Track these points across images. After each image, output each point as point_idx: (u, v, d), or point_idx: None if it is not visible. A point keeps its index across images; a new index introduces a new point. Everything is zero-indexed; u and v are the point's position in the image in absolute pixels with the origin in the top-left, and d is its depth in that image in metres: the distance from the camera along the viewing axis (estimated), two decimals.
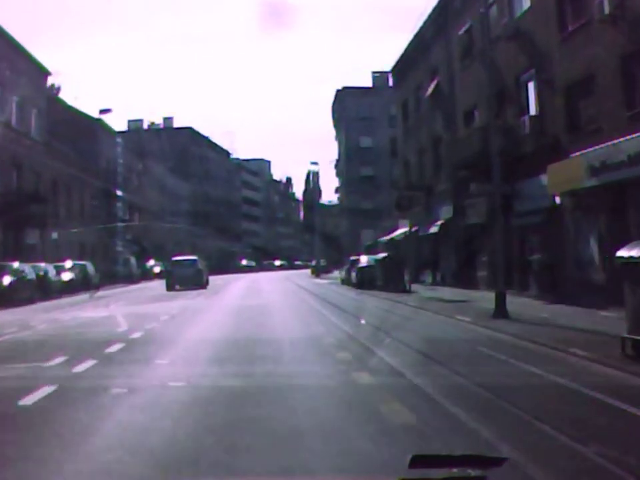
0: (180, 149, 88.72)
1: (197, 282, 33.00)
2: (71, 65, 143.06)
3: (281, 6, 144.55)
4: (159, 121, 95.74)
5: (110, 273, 46.32)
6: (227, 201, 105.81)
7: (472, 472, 2.11)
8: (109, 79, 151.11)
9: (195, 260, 35.17)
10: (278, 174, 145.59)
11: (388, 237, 39.39)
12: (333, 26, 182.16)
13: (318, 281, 46.87)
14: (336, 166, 74.76)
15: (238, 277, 56.81)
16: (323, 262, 67.47)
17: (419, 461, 2.14)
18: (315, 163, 62.56)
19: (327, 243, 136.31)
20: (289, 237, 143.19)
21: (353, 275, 31.90)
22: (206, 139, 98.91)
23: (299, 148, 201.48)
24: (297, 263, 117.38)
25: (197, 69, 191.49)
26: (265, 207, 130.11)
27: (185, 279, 32.80)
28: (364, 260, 31.79)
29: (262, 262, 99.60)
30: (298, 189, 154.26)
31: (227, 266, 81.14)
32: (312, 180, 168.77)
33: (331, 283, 40.71)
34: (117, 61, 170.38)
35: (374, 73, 67.42)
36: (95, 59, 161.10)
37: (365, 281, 29.71)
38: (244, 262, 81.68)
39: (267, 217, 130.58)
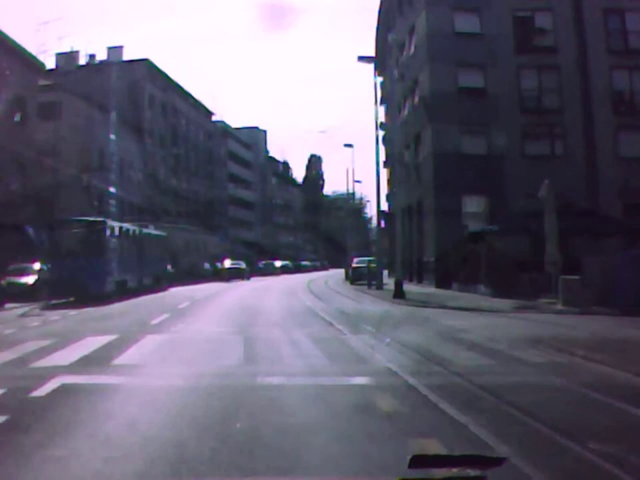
0: (131, 91, 57.44)
1: None
2: None
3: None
4: (102, 55, 64.12)
5: None
6: (207, 176, 74.50)
7: (472, 472, 2.07)
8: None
9: None
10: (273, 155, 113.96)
11: None
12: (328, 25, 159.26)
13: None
14: (384, 86, 43.13)
15: (201, 295, 25.61)
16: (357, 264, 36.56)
17: (418, 461, 2.09)
18: (368, 59, 30.00)
19: (331, 241, 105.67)
20: (288, 230, 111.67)
21: None
22: (174, 83, 67.62)
23: (296, 142, 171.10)
24: (304, 263, 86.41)
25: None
26: (259, 190, 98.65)
27: None
28: None
29: (256, 263, 68.29)
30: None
31: (198, 271, 49.74)
32: (314, 166, 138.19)
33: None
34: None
35: None
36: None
37: None
38: (227, 263, 50.09)
39: (262, 203, 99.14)
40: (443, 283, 28.35)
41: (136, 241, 29.32)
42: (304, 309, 18.17)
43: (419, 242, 32.97)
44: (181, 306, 19.55)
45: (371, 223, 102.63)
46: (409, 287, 30.54)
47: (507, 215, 28.14)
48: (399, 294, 21.08)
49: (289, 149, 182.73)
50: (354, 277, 35.23)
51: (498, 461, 2.16)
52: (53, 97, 44.75)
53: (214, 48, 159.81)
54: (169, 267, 36.95)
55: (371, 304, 19.77)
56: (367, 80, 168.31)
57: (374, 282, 30.65)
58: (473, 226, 29.75)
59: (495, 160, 30.34)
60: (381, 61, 49.41)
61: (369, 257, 43.38)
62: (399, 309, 17.39)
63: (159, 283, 32.31)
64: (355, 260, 37.38)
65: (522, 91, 31.67)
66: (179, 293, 27.64)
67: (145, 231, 32.31)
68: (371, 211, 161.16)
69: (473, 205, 30.33)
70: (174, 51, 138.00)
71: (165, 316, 15.44)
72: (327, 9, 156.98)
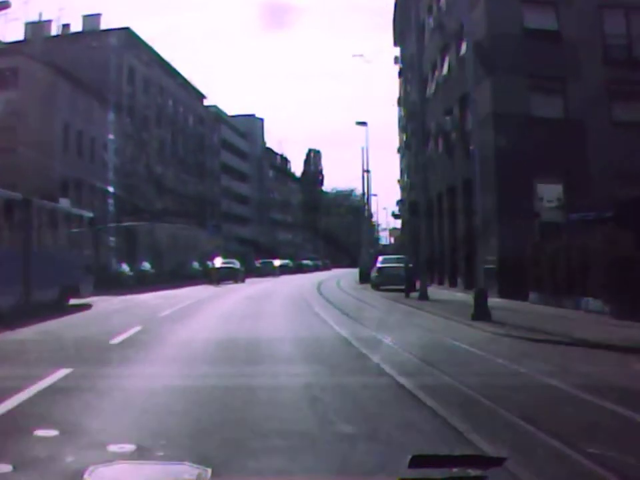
0: (107, 61, 49.60)
1: None
2: None
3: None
4: (77, 25, 56.10)
5: None
6: (197, 165, 66.63)
7: (472, 472, 2.00)
8: None
9: None
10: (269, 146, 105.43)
11: None
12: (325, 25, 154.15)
13: None
14: (397, 42, 35.34)
15: (171, 310, 17.70)
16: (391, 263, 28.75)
17: (418, 461, 2.02)
18: None
19: (332, 239, 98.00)
20: (287, 227, 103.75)
21: None
22: (160, 58, 59.69)
23: (294, 137, 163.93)
24: (305, 262, 78.57)
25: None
26: (255, 183, 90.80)
27: None
28: None
29: (253, 261, 60.60)
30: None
31: (186, 270, 42.02)
32: (313, 161, 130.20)
33: None
34: None
35: None
36: None
37: None
38: (217, 262, 41.90)
39: (259, 198, 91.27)
40: (510, 292, 20.68)
41: (16, 223, 15.89)
42: (338, 345, 10.26)
43: (466, 236, 25.16)
44: (117, 339, 10.73)
45: (377, 221, 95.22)
46: (457, 296, 22.84)
47: (593, 200, 20.53)
48: (482, 313, 13.18)
49: (287, 144, 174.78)
50: (379, 281, 27.37)
51: (498, 461, 2.10)
52: (7, 62, 37.22)
53: (210, 45, 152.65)
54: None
55: (447, 332, 11.86)
56: (368, 78, 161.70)
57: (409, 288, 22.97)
58: (548, 215, 22.08)
59: (574, 127, 22.61)
60: (400, 25, 41.73)
61: (377, 255, 35.71)
62: (520, 350, 9.48)
63: (77, 296, 18.84)
64: (380, 259, 29.45)
65: (605, 38, 23.96)
66: (141, 305, 19.69)
67: (43, 205, 17.99)
68: (376, 206, 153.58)
69: (547, 186, 22.58)
70: (167, 45, 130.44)
71: (57, 375, 7.17)
72: (327, 8, 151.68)
